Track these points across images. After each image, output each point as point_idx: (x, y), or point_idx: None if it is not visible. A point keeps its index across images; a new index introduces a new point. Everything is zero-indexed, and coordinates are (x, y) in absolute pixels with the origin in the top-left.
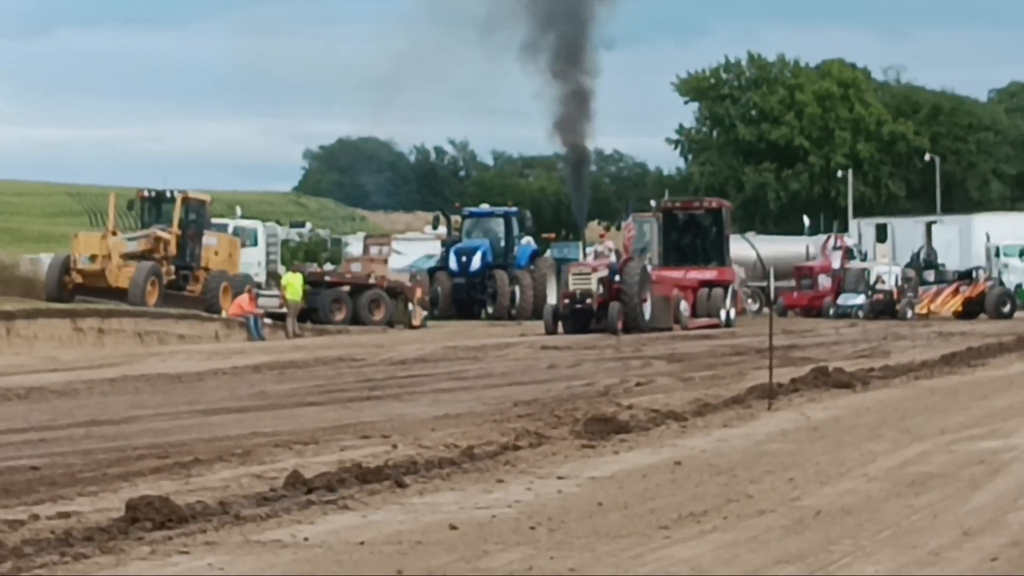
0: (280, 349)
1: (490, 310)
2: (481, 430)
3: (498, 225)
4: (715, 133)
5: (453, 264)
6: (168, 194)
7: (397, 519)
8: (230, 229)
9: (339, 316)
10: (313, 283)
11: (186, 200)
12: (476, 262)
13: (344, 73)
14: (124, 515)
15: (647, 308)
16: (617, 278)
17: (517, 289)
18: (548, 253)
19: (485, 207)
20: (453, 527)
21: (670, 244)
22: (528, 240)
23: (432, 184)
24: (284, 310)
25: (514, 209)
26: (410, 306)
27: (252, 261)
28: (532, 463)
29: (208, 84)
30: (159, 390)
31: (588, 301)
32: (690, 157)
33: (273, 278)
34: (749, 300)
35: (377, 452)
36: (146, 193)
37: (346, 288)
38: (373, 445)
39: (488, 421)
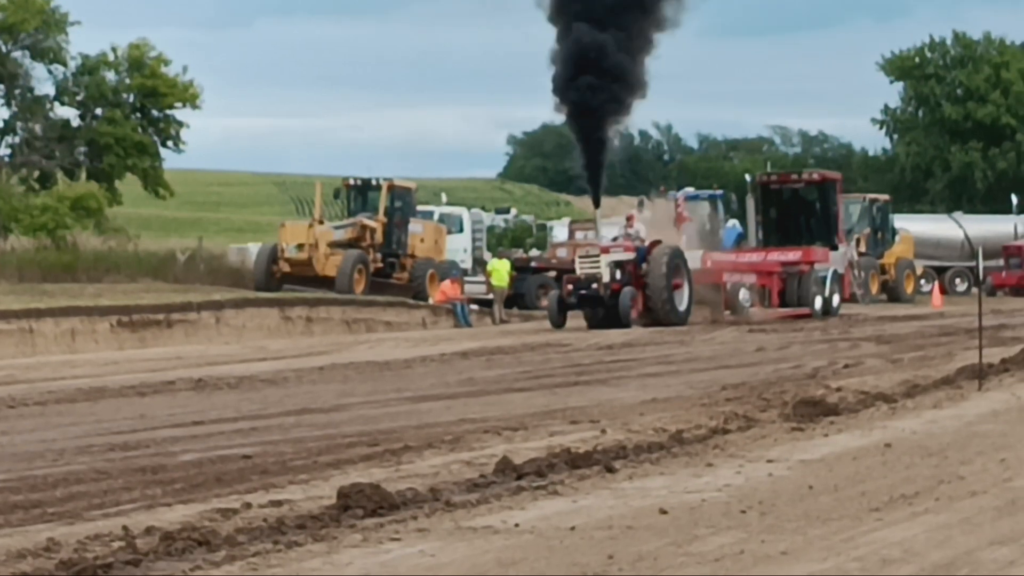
0: (487, 335)
1: None
2: (689, 414)
3: (703, 208)
4: (920, 113)
5: None
6: (373, 182)
7: (607, 504)
8: (435, 216)
9: (545, 301)
10: (519, 269)
11: (392, 188)
12: None
13: (546, 58)
14: (336, 503)
15: (681, 297)
16: (644, 264)
17: None
18: None
19: (690, 190)
20: (663, 511)
21: (769, 223)
22: (734, 223)
23: (636, 168)
24: (490, 296)
25: (719, 192)
26: None
27: (458, 248)
28: (741, 447)
29: (410, 72)
30: (368, 378)
31: (594, 286)
32: (895, 137)
33: (479, 264)
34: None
35: (586, 437)
36: (352, 181)
37: (552, 273)
38: (582, 430)
39: (696, 405)
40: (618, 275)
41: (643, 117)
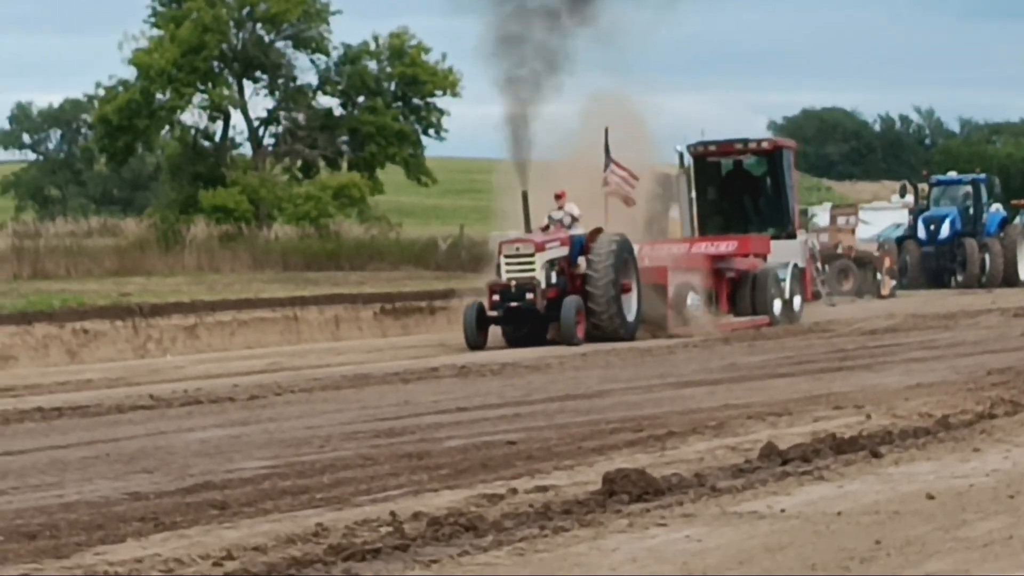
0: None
1: (959, 278)
2: (955, 399)
3: (966, 192)
4: None
5: (921, 233)
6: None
7: (873, 489)
8: None
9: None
10: None
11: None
12: (945, 230)
13: (807, 43)
14: (601, 488)
15: (630, 303)
16: (581, 260)
17: (987, 257)
18: (1017, 220)
19: (952, 174)
20: (930, 496)
21: (707, 206)
22: (997, 207)
23: (898, 152)
24: None
25: (982, 176)
26: (879, 275)
27: None
28: (1008, 432)
29: (665, 57)
30: (630, 363)
31: (529, 296)
32: None
33: None
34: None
35: (851, 422)
36: None
37: None
38: (846, 415)
39: (962, 390)
40: (553, 278)
41: (903, 100)
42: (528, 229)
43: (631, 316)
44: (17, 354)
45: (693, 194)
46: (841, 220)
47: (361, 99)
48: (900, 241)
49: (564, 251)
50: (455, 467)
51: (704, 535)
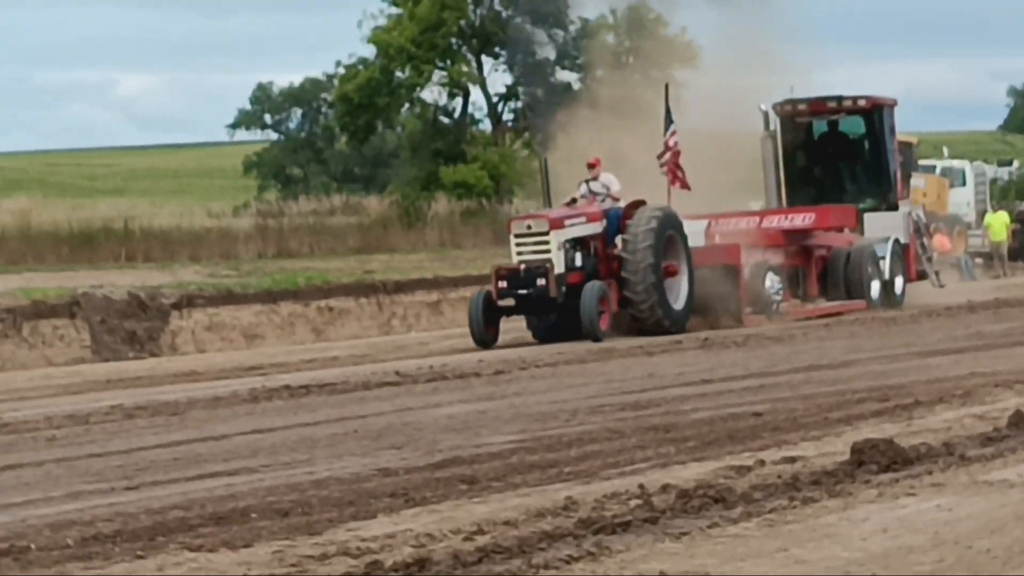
0: (991, 289)
1: None
2: None
3: None
4: None
5: None
6: None
7: None
8: (937, 170)
9: None
10: (1022, 222)
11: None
12: None
13: None
14: (849, 458)
15: (677, 289)
16: (619, 240)
17: None
18: None
19: None
20: None
21: (796, 174)
22: None
23: None
24: (989, 250)
25: None
26: None
27: (961, 201)
28: None
29: (902, 24)
30: (874, 333)
31: (541, 282)
32: None
33: (982, 218)
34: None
35: None
36: None
37: None
38: None
39: None
40: (578, 260)
41: None
42: (547, 203)
43: (678, 304)
44: (264, 332)
45: (780, 160)
46: None
47: (600, 73)
48: None
49: (594, 228)
50: (702, 439)
51: (954, 504)
